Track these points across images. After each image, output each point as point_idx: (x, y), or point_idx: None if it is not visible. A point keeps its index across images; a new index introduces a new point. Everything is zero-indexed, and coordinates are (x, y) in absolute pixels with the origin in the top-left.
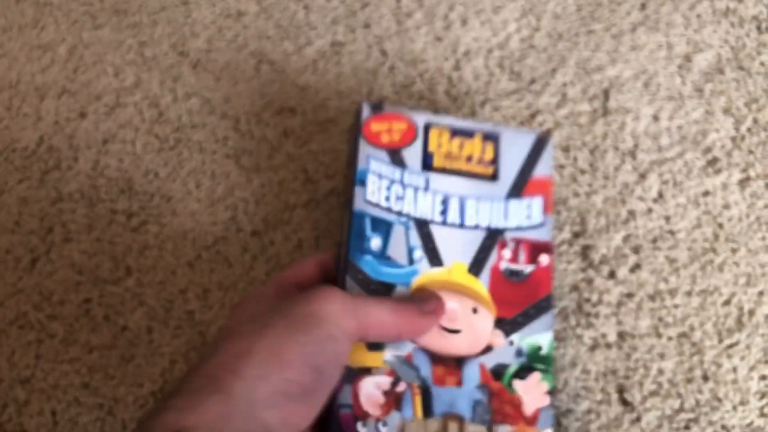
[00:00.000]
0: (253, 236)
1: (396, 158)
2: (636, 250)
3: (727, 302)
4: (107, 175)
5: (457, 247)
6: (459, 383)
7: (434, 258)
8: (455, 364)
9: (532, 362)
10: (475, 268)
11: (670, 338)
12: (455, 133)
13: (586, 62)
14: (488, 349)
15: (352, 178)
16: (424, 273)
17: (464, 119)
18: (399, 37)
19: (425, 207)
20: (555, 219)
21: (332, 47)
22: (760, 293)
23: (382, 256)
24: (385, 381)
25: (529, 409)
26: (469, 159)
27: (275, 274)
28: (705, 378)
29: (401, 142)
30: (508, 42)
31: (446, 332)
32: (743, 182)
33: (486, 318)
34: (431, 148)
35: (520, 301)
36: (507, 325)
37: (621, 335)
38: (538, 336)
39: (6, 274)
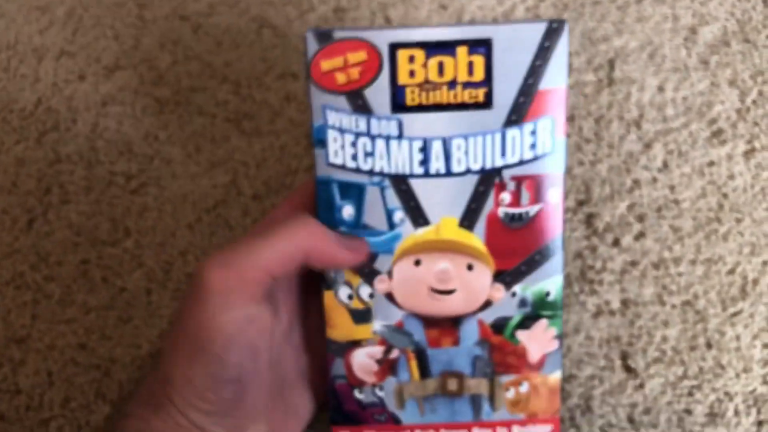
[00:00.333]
0: (254, 200)
1: (358, 103)
2: (640, 218)
3: (731, 271)
4: (106, 137)
5: (444, 200)
6: (456, 343)
7: (418, 217)
8: (451, 324)
9: (538, 310)
10: (468, 220)
11: (674, 306)
12: (432, 50)
13: (592, 32)
14: (487, 304)
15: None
16: (409, 236)
17: (441, 26)
18: (403, 4)
19: (401, 159)
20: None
21: (335, 13)
22: (764, 263)
23: (358, 225)
24: (377, 350)
25: (534, 356)
26: (451, 85)
27: None
28: (708, 346)
29: (362, 79)
30: (514, 11)
31: (438, 294)
32: (748, 153)
33: (483, 273)
34: (401, 79)
35: (522, 249)
36: (508, 276)
37: (625, 302)
38: (546, 282)
39: (3, 234)
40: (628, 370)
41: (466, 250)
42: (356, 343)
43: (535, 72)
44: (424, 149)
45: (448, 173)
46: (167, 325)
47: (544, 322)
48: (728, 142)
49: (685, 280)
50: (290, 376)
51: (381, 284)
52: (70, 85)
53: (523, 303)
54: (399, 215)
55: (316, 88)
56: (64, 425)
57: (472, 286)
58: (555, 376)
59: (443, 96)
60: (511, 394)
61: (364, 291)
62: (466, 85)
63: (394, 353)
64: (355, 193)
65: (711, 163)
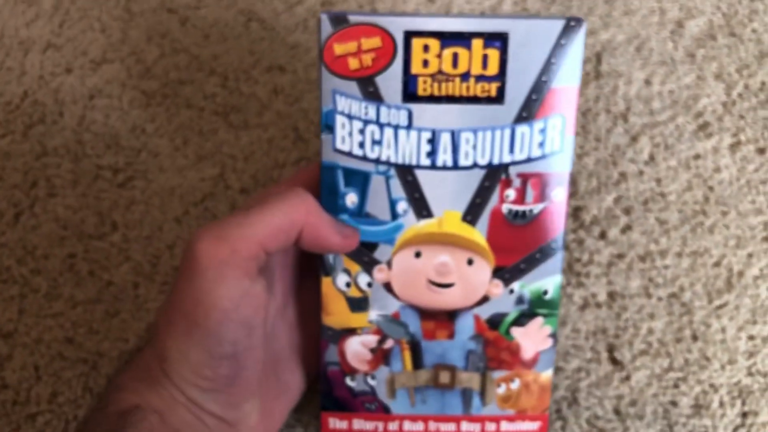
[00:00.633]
0: (242, 193)
1: (369, 90)
2: (627, 211)
3: (716, 264)
4: (93, 130)
5: (448, 194)
6: (451, 336)
7: (422, 209)
8: (447, 317)
9: (535, 308)
10: (471, 214)
11: (660, 298)
12: (447, 41)
13: None
14: (484, 299)
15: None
16: (411, 227)
17: (458, 17)
18: None
19: (409, 149)
20: (577, 141)
21: (323, 6)
22: (749, 255)
23: (360, 213)
24: (372, 339)
25: (527, 353)
26: (464, 77)
27: None
28: (694, 338)
29: (375, 66)
30: (501, 5)
31: (437, 287)
32: (734, 146)
33: (483, 269)
34: (415, 68)
35: (524, 246)
36: (507, 273)
37: (611, 295)
38: (545, 280)
39: None
40: (615, 362)
41: (467, 245)
42: (351, 331)
43: (549, 69)
44: (433, 141)
45: (455, 166)
46: (154, 319)
47: (539, 320)
48: (714, 135)
49: (671, 272)
50: (283, 352)
51: (380, 274)
52: (57, 78)
53: (520, 300)
54: (402, 206)
55: (327, 72)
56: (52, 420)
57: (471, 281)
58: (547, 374)
59: (455, 88)
60: (502, 389)
61: (363, 279)
62: (479, 78)
63: (389, 343)
64: (359, 180)
65: (697, 156)
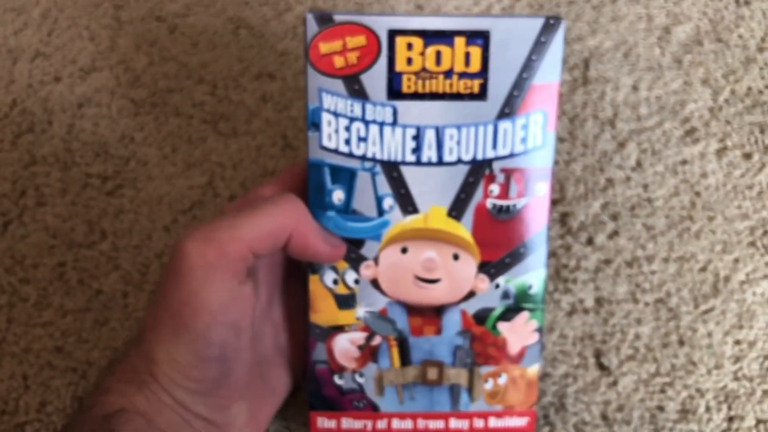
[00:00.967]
0: (231, 201)
1: (354, 87)
2: (614, 217)
3: (703, 269)
4: (82, 138)
5: (434, 189)
6: (438, 332)
7: (407, 205)
8: (434, 313)
9: (520, 303)
10: (456, 210)
11: (646, 304)
12: (430, 39)
13: (567, 32)
14: (471, 294)
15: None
16: (397, 223)
17: (441, 16)
18: (380, 5)
19: (394, 146)
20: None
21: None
22: (736, 260)
23: (347, 210)
24: (359, 336)
25: (513, 348)
26: (447, 75)
27: None
28: (681, 343)
29: (360, 64)
30: (489, 10)
31: (424, 283)
32: (720, 152)
33: (468, 264)
34: (399, 66)
35: (508, 241)
36: (492, 268)
37: (598, 301)
38: (529, 275)
39: None
40: (602, 367)
41: (453, 240)
42: (339, 329)
43: (530, 66)
44: (417, 137)
45: (440, 162)
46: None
47: (525, 314)
48: (701, 140)
49: (658, 278)
50: (269, 353)
51: (367, 270)
52: (46, 87)
53: (506, 295)
54: (388, 202)
55: (313, 71)
56: (41, 429)
57: (457, 276)
58: (533, 369)
59: (439, 85)
60: (489, 385)
61: (350, 276)
62: (462, 75)
63: (376, 340)
64: (346, 177)
65: (684, 162)
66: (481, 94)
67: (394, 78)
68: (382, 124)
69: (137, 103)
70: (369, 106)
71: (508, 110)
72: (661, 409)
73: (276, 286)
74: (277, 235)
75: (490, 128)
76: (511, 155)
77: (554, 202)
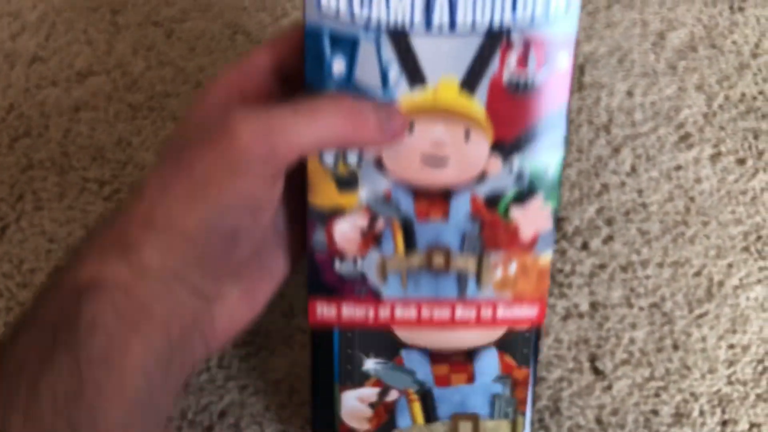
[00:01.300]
0: None
1: None
2: (609, 222)
3: (697, 273)
4: (79, 143)
5: (445, 59)
6: (445, 216)
7: (415, 76)
8: (441, 197)
9: (535, 186)
10: (469, 83)
11: (641, 308)
12: None
13: None
14: (482, 176)
15: None
16: (403, 96)
17: None
18: None
19: (402, 9)
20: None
21: None
22: (730, 265)
23: (349, 82)
24: (362, 221)
25: (526, 234)
26: None
27: None
28: (675, 347)
29: None
30: None
31: (431, 162)
32: (714, 157)
33: (480, 143)
34: None
35: (524, 118)
36: (506, 147)
37: (593, 305)
38: (545, 156)
39: None
40: (597, 372)
41: (465, 116)
42: (339, 212)
43: None
44: None
45: (452, 28)
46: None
47: (539, 198)
48: (695, 146)
49: (652, 282)
50: (266, 234)
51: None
52: (43, 91)
53: (519, 177)
54: (394, 74)
55: None
56: None
57: (468, 156)
58: (545, 257)
59: None
60: (498, 273)
61: (352, 156)
62: None
63: (379, 224)
64: (347, 46)
65: (678, 167)
66: None
67: None
68: None
69: (134, 108)
70: None
71: None
72: (655, 413)
73: None
74: (331, 143)
75: None
76: (532, 22)
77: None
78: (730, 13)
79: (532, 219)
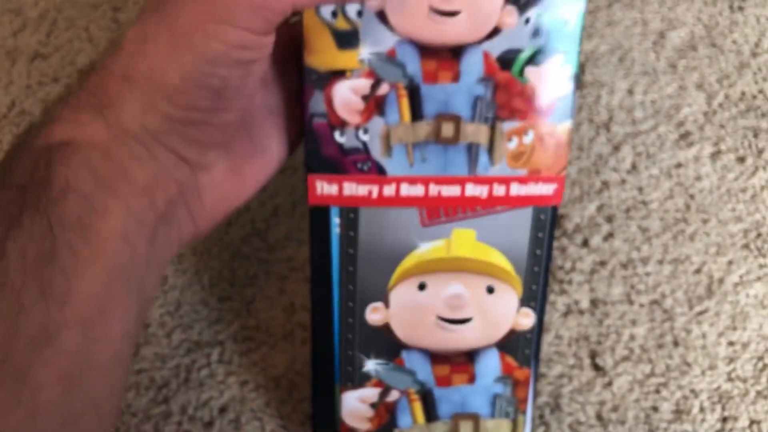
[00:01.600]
0: None
1: None
2: (609, 219)
3: (697, 271)
4: None
5: None
6: (455, 78)
7: None
8: (451, 55)
9: (554, 43)
10: None
11: (641, 305)
12: None
13: None
14: (495, 32)
15: None
16: None
17: None
18: None
19: None
20: None
21: None
22: (730, 262)
23: None
24: (364, 84)
25: (543, 99)
26: None
27: (251, 239)
28: (675, 344)
29: None
30: None
31: (440, 15)
32: (714, 155)
33: None
34: None
35: None
36: None
37: (593, 302)
38: (566, 7)
39: None
40: (597, 368)
41: None
42: (339, 74)
43: None
44: None
45: None
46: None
47: (559, 58)
48: (695, 144)
49: (652, 279)
50: (257, 112)
51: (373, 1)
52: (44, 88)
53: (536, 33)
54: None
55: None
56: None
57: (481, 6)
58: (564, 127)
59: None
60: (513, 144)
61: (352, 8)
62: None
63: (383, 88)
64: None
65: (678, 165)
66: None
67: None
68: None
69: None
70: None
71: None
72: (655, 409)
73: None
74: None
75: None
76: None
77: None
78: (730, 13)
79: (551, 82)
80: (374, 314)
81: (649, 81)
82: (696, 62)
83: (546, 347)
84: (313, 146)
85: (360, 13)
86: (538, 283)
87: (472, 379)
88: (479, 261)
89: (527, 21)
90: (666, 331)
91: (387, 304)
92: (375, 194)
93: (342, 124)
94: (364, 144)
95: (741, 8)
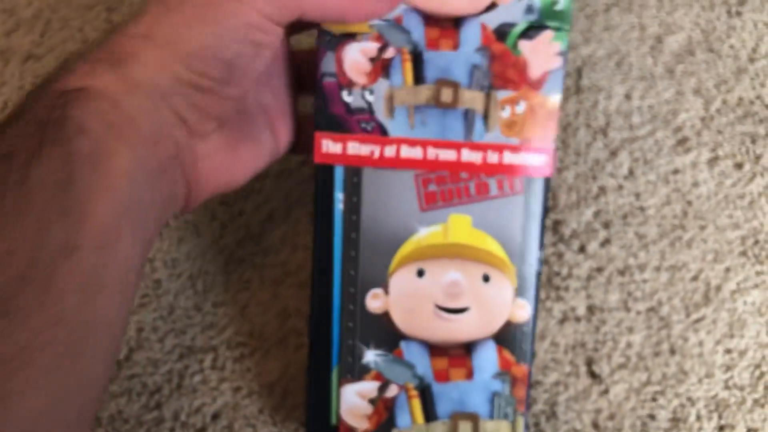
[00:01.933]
0: (222, 205)
1: None
2: (606, 225)
3: (694, 278)
4: None
5: None
6: (455, 46)
7: None
8: (452, 24)
9: (545, 19)
10: None
11: (638, 312)
12: None
13: None
14: (493, 6)
15: None
16: None
17: None
18: None
19: None
20: None
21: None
22: (727, 269)
23: None
24: (372, 47)
25: (535, 72)
26: None
27: (245, 243)
28: (672, 351)
29: None
30: None
31: None
32: (712, 161)
33: None
34: None
35: None
36: None
37: (590, 309)
38: None
39: None
40: (593, 376)
41: None
42: (350, 36)
43: None
44: None
45: None
46: (135, 332)
47: (549, 33)
48: (693, 150)
49: (649, 286)
50: (253, 105)
51: None
52: None
53: (530, 9)
54: None
55: None
56: None
57: None
58: (554, 99)
59: None
60: (506, 113)
61: None
62: None
63: (389, 52)
64: None
65: (676, 171)
66: None
67: None
68: None
69: None
70: None
71: None
72: (652, 417)
73: None
74: (331, 18)
75: None
76: None
77: (546, 210)
78: (727, 18)
79: (542, 55)
80: (374, 301)
81: (646, 86)
82: (693, 67)
83: (542, 354)
84: (322, 104)
85: None
86: (532, 273)
87: (470, 374)
88: (475, 248)
89: None
90: (663, 339)
91: (387, 291)
92: (377, 154)
93: (350, 84)
94: (369, 104)
95: (739, 13)
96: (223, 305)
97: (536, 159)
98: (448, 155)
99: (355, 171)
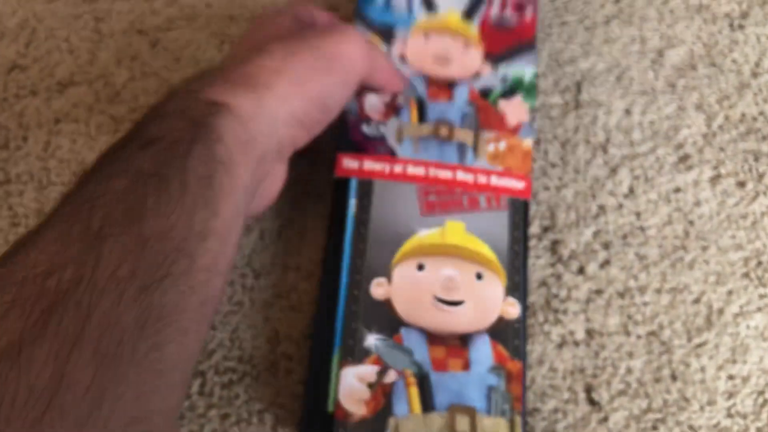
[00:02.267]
0: None
1: None
2: (606, 245)
3: (696, 300)
4: (59, 156)
5: None
6: (451, 99)
7: (430, 5)
8: (447, 85)
9: (516, 87)
10: (468, 13)
11: (639, 336)
12: None
13: (559, 54)
14: (477, 75)
15: None
16: (420, 17)
17: None
18: None
19: None
20: None
21: None
22: (729, 292)
23: (387, 8)
24: (387, 96)
25: (511, 121)
26: None
27: (235, 264)
28: (673, 378)
29: None
30: None
31: (440, 62)
32: (714, 179)
33: (475, 53)
34: None
35: (507, 42)
36: (495, 58)
37: (589, 333)
38: (522, 68)
39: None
40: (592, 402)
41: (463, 35)
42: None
43: None
44: None
45: None
46: None
47: (519, 96)
48: (694, 167)
49: (650, 309)
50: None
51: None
52: (22, 101)
53: (504, 79)
54: (417, 2)
55: None
56: None
57: (466, 60)
58: (527, 142)
59: None
60: (491, 147)
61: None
62: None
63: (400, 100)
64: None
65: (677, 190)
66: None
67: None
68: None
69: (117, 120)
70: None
71: None
72: None
73: None
74: (383, 90)
75: None
76: None
77: (545, 230)
78: (730, 31)
79: (515, 111)
80: (378, 288)
81: (647, 101)
82: (695, 82)
83: (540, 380)
84: (344, 132)
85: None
86: (518, 276)
87: (467, 365)
88: (469, 249)
89: (498, 71)
90: (664, 364)
91: (390, 280)
92: (387, 171)
93: (368, 120)
94: (383, 134)
95: (741, 27)
96: (211, 328)
97: (517, 184)
98: (445, 174)
99: (367, 182)
